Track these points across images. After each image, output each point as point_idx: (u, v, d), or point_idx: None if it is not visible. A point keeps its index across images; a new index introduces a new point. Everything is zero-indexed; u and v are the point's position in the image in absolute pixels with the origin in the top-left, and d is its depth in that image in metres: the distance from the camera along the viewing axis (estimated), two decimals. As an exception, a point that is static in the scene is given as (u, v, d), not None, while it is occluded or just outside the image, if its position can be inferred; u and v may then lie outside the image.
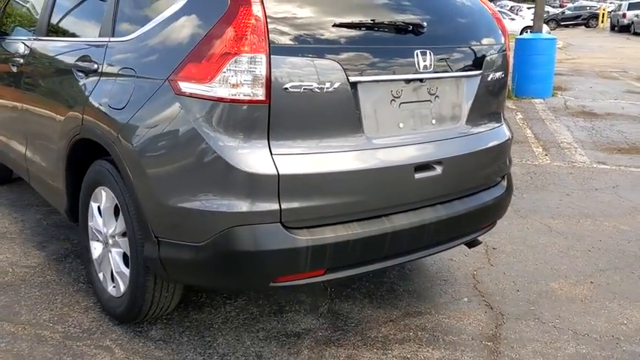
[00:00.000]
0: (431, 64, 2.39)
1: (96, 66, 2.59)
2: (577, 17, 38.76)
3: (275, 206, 2.10)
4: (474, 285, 3.23)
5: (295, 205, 2.13)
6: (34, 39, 3.27)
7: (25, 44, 3.41)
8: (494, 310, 2.98)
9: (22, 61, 3.31)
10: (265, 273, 2.18)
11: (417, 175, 2.36)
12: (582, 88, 11.20)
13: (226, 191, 2.10)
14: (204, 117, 2.11)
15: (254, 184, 2.08)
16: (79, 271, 3.23)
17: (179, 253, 2.24)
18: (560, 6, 44.77)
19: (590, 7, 40.21)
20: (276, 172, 2.08)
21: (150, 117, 2.25)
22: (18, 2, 3.99)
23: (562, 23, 37.14)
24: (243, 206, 2.09)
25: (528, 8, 32.63)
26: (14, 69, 3.40)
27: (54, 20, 3.18)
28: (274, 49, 2.06)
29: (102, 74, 2.55)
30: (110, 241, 2.65)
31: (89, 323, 2.72)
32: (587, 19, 38.54)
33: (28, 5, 3.86)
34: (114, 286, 2.70)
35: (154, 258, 2.31)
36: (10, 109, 3.60)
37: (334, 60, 2.16)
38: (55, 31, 3.18)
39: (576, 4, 43.39)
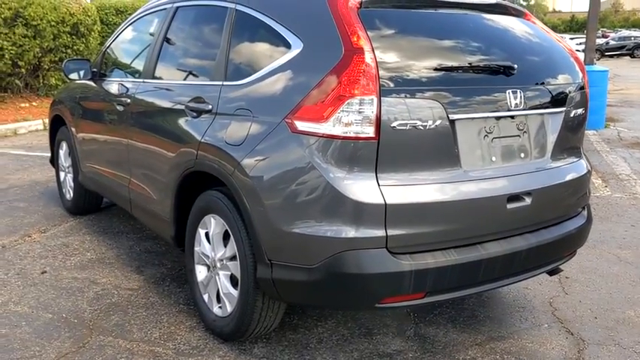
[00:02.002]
0: (520, 102, 2.60)
1: (210, 106, 2.87)
2: (622, 47, 38.47)
3: (382, 233, 2.31)
4: (552, 312, 3.35)
5: (400, 232, 2.34)
6: (142, 81, 3.60)
7: (128, 85, 3.76)
8: (575, 335, 3.09)
9: (128, 100, 3.64)
10: (373, 294, 2.38)
11: (509, 206, 2.54)
12: (634, 119, 11.17)
13: (338, 218, 2.32)
14: (319, 152, 2.35)
15: (363, 212, 2.30)
16: (177, 293, 3.49)
17: (291, 274, 2.46)
18: (603, 36, 44.40)
19: (635, 37, 39.83)
20: (383, 202, 2.30)
21: (267, 152, 2.51)
22: (114, 49, 4.37)
23: (606, 53, 36.87)
24: (353, 232, 2.30)
25: (571, 39, 32.46)
26: (120, 108, 3.74)
27: (162, 64, 3.51)
28: (384, 92, 2.30)
29: (216, 114, 2.83)
30: (218, 265, 2.89)
31: (196, 341, 2.95)
32: (632, 49, 38.18)
33: (128, 50, 4.23)
34: (219, 307, 2.93)
35: (266, 279, 2.54)
36: (111, 144, 3.94)
37: (436, 100, 2.39)
38: (164, 74, 3.50)
39: (620, 34, 43.02)
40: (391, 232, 2.31)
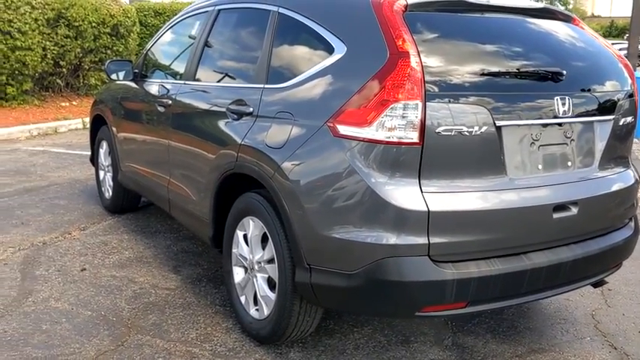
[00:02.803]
0: (569, 109, 2.53)
1: (251, 109, 2.88)
2: (664, 53, 37.44)
3: (424, 240, 2.27)
4: (594, 325, 3.26)
5: (442, 240, 2.29)
6: (183, 83, 3.63)
7: (169, 87, 3.79)
8: (618, 350, 3.00)
9: (169, 102, 3.68)
10: (413, 303, 2.34)
11: (555, 215, 2.48)
12: (678, 127, 10.83)
13: (380, 225, 2.29)
14: (361, 157, 2.32)
15: (406, 219, 2.27)
16: (213, 294, 3.50)
17: (330, 280, 2.44)
18: (645, 41, 43.16)
19: (678, 42, 38.75)
20: (426, 209, 2.26)
21: (308, 156, 2.49)
22: (156, 50, 4.42)
23: (648, 59, 35.95)
24: (395, 239, 2.27)
25: (613, 44, 31.76)
26: (161, 109, 3.78)
27: (203, 66, 3.53)
28: (429, 96, 2.26)
29: (257, 117, 2.83)
30: (256, 267, 2.89)
31: (233, 343, 2.95)
32: (675, 55, 37.12)
33: (169, 52, 4.27)
34: (256, 309, 2.93)
35: (305, 284, 2.52)
36: (152, 144, 3.98)
37: (482, 105, 2.34)
38: (205, 76, 3.52)
39: (662, 39, 41.88)
40: (434, 239, 2.27)
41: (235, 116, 2.99)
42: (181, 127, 3.55)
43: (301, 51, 2.81)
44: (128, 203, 4.94)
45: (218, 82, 3.40)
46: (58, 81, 10.86)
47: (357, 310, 2.88)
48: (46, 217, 4.86)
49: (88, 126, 5.50)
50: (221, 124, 3.10)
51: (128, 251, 4.16)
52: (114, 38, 11.50)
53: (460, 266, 2.32)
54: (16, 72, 9.67)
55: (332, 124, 2.41)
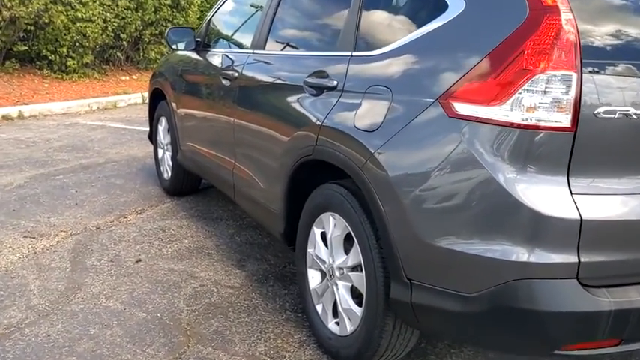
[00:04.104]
0: None
1: (335, 82, 2.35)
2: None
3: (573, 258, 1.71)
4: None
5: (596, 258, 1.73)
6: (252, 52, 3.14)
7: (235, 57, 3.31)
8: None
9: (236, 74, 3.20)
10: (554, 338, 1.79)
11: None
12: None
13: (512, 235, 1.74)
14: (487, 144, 1.77)
15: (549, 230, 1.71)
16: (282, 296, 3.04)
17: (439, 301, 1.91)
18: None
19: None
20: (577, 217, 1.70)
21: (412, 142, 1.96)
22: (221, 17, 3.95)
23: None
24: (533, 255, 1.72)
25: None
26: (226, 82, 3.30)
27: (275, 33, 3.03)
28: (585, 66, 1.68)
29: (343, 92, 2.31)
30: (337, 273, 2.40)
31: (308, 361, 2.49)
32: None
33: (236, 18, 3.79)
34: (336, 322, 2.45)
35: (403, 302, 2.01)
36: (215, 122, 3.52)
37: (656, 80, 1.74)
38: (277, 44, 3.02)
39: None
40: (585, 257, 1.71)
41: (314, 91, 2.47)
42: (249, 104, 3.06)
43: (402, 9, 2.26)
44: (188, 185, 4.54)
45: (293, 50, 2.89)
46: (119, 54, 10.64)
47: (472, 341, 2.30)
48: (101, 198, 4.52)
49: (147, 101, 5.13)
50: (296, 100, 2.60)
51: (187, 240, 3.76)
52: (174, 10, 11.17)
53: (617, 293, 1.75)
54: (77, 44, 9.46)
55: (446, 101, 1.86)
